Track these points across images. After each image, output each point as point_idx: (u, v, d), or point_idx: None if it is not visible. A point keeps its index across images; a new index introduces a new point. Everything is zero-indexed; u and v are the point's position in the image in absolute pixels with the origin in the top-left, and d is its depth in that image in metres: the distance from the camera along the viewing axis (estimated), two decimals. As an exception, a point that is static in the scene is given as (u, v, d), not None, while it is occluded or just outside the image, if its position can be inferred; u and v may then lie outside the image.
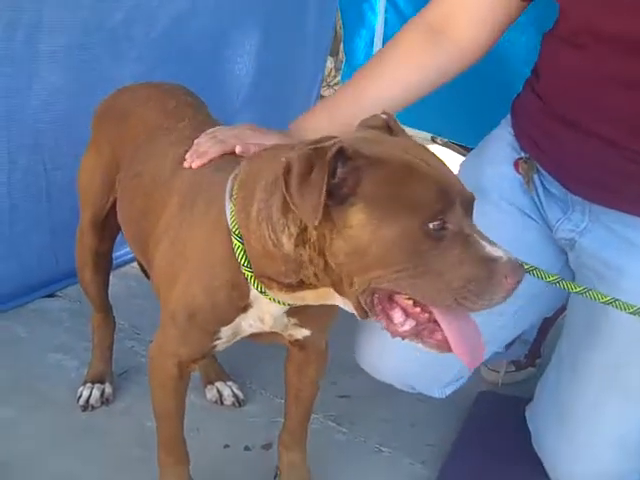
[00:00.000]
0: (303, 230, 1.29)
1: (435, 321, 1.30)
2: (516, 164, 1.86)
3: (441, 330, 1.30)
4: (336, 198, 1.23)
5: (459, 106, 3.47)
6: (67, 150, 2.45)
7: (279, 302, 1.43)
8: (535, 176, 1.84)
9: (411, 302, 1.29)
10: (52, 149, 2.44)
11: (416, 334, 1.32)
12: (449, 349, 1.31)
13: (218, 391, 2.15)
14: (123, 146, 1.81)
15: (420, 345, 1.33)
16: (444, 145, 4.48)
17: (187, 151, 1.61)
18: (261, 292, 1.41)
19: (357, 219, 1.23)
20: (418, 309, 1.29)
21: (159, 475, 1.73)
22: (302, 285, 1.36)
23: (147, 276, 2.32)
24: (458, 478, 1.91)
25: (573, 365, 1.83)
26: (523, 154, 1.86)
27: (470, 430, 2.08)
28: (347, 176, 1.23)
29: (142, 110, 1.83)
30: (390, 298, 1.29)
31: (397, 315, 1.30)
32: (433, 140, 4.56)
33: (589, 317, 1.80)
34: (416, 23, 1.81)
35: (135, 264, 2.58)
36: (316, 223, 1.22)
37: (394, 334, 1.32)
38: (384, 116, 1.44)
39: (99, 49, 2.43)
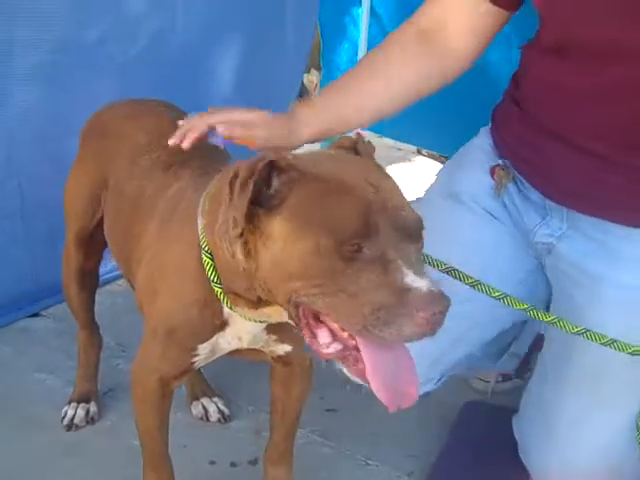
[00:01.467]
0: (245, 241, 1.29)
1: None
2: (492, 170, 1.87)
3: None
4: (267, 208, 1.24)
5: (444, 119, 3.48)
6: (42, 167, 2.46)
7: (249, 319, 1.43)
8: (511, 183, 1.85)
9: (338, 325, 1.26)
10: (27, 166, 2.44)
11: (341, 358, 1.28)
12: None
13: (204, 407, 2.15)
14: (108, 163, 1.82)
15: (345, 370, 1.29)
16: (429, 157, 4.50)
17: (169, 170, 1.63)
18: (230, 309, 1.41)
19: (278, 230, 1.24)
20: (346, 334, 1.26)
21: (145, 494, 1.73)
22: (261, 301, 1.35)
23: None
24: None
25: (555, 376, 1.83)
26: (500, 161, 1.86)
27: (456, 440, 2.08)
28: (281, 188, 1.25)
29: (126, 128, 1.84)
30: (316, 317, 1.27)
31: (323, 335, 1.28)
32: (419, 152, 4.59)
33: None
34: (408, 27, 1.81)
35: (121, 281, 2.59)
36: (237, 232, 1.24)
37: (317, 353, 1.29)
38: (354, 137, 1.44)
39: (75, 66, 2.43)
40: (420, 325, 1.17)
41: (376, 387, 1.24)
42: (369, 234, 1.20)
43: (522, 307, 1.60)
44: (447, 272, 1.59)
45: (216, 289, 1.39)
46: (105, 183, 1.82)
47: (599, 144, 1.64)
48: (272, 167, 1.24)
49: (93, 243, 1.94)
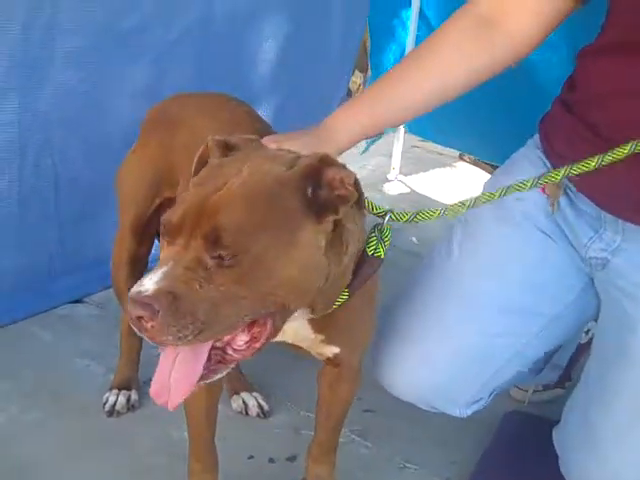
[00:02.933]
0: None
1: None
2: (543, 185, 1.84)
3: None
4: None
5: (488, 124, 3.47)
6: (76, 149, 2.49)
7: None
8: (563, 197, 1.82)
9: None
10: (62, 147, 2.47)
11: None
12: None
13: (244, 401, 2.15)
14: (175, 154, 1.81)
15: None
16: (472, 163, 4.47)
17: None
18: None
19: None
20: None
21: (188, 482, 1.73)
22: None
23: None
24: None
25: (602, 387, 1.80)
26: None
27: (496, 449, 2.07)
28: None
29: (197, 118, 1.83)
30: None
31: None
32: (461, 158, 4.56)
33: (619, 338, 1.78)
34: (465, 12, 1.74)
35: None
36: None
37: None
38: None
39: (112, 52, 2.46)
40: (135, 325, 1.16)
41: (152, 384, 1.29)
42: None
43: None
44: (383, 215, 1.50)
45: None
46: (170, 172, 1.82)
47: None
48: None
49: (148, 230, 1.95)
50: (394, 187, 4.05)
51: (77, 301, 2.62)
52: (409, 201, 3.83)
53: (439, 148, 4.42)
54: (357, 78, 5.21)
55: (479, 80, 1.75)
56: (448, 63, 1.71)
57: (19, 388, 2.17)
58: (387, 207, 1.46)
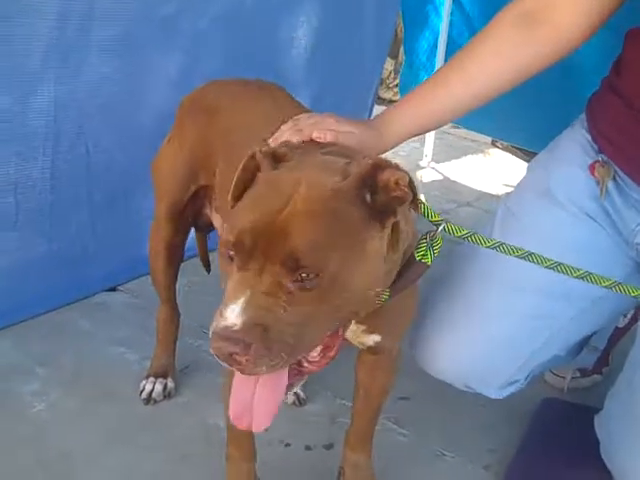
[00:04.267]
0: None
1: None
2: (592, 167, 1.81)
3: None
4: None
5: (521, 110, 3.42)
6: (109, 136, 2.50)
7: None
8: (611, 181, 1.79)
9: None
10: (95, 134, 2.47)
11: None
12: None
13: (280, 389, 2.14)
14: (212, 140, 1.80)
15: None
16: (505, 149, 4.43)
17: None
18: None
19: None
20: None
21: (227, 470, 1.73)
22: None
23: (208, 271, 2.33)
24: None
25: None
26: (599, 157, 1.81)
27: (534, 436, 2.05)
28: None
29: (236, 103, 1.81)
30: None
31: None
32: (494, 144, 4.52)
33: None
34: (508, 10, 1.72)
35: (195, 260, 2.60)
36: None
37: None
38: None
39: (147, 40, 2.46)
40: (217, 354, 1.13)
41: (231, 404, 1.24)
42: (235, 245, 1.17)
43: (606, 284, 1.52)
44: (524, 257, 1.52)
45: None
46: (208, 159, 1.81)
47: None
48: None
49: (184, 217, 1.95)
50: (427, 174, 4.03)
51: (112, 289, 2.63)
52: (442, 188, 3.81)
53: (472, 134, 4.39)
54: (389, 65, 5.19)
55: (526, 77, 1.73)
56: (491, 69, 1.70)
57: (58, 376, 2.18)
58: (440, 216, 1.43)
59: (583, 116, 1.88)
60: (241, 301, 1.12)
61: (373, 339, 1.54)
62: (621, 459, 1.79)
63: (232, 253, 1.17)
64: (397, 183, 1.22)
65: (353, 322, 1.45)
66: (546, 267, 1.53)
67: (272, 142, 1.56)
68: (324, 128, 1.54)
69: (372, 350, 1.59)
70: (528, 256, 1.53)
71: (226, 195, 1.63)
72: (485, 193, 3.71)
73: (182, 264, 2.62)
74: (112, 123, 2.49)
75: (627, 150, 1.72)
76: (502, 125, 3.83)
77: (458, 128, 4.40)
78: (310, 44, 3.03)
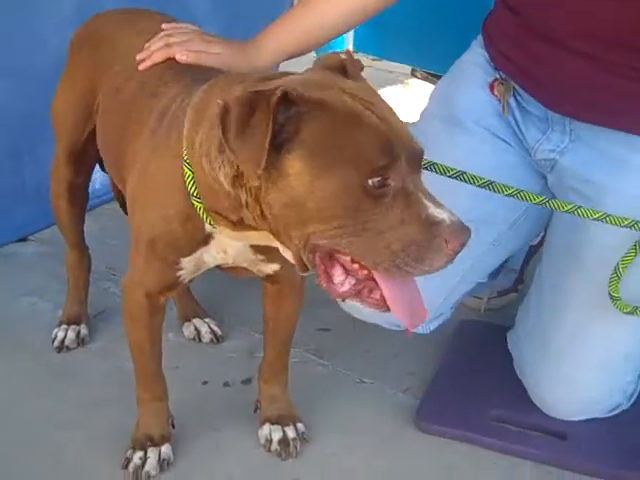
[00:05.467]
0: (239, 173, 1.23)
1: (373, 278, 1.24)
2: (491, 86, 1.81)
3: (380, 289, 1.24)
4: (273, 145, 1.15)
5: (437, 34, 3.38)
6: (6, 80, 2.39)
7: (229, 237, 1.39)
8: (511, 98, 1.79)
9: (349, 258, 1.22)
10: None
11: (356, 293, 1.26)
12: (388, 308, 1.26)
13: (196, 328, 2.12)
14: (102, 71, 1.75)
15: (359, 304, 1.29)
16: (424, 79, 4.39)
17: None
18: (211, 225, 1.37)
19: (293, 168, 1.17)
20: (356, 265, 1.23)
21: (138, 412, 1.71)
22: (243, 224, 1.31)
23: (126, 212, 2.28)
24: (441, 404, 1.89)
25: (554, 289, 1.80)
26: (498, 75, 1.80)
27: (452, 358, 2.06)
28: (287, 122, 1.17)
29: (120, 33, 1.77)
30: (330, 255, 1.23)
31: (337, 273, 1.25)
32: (413, 74, 4.48)
33: (569, 240, 1.77)
34: None
35: (109, 205, 2.55)
36: (259, 172, 1.16)
37: (335, 294, 1.27)
38: (343, 56, 1.36)
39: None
40: (449, 256, 1.18)
41: (398, 311, 1.25)
42: (393, 165, 1.16)
43: (537, 201, 1.55)
44: (456, 177, 1.54)
45: (196, 204, 1.34)
46: (95, 94, 1.75)
47: (605, 49, 1.58)
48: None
49: (84, 158, 1.90)
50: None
51: (22, 240, 2.56)
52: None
53: (390, 66, 4.33)
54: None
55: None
56: None
57: (-37, 330, 2.12)
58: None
59: (480, 36, 1.87)
60: (437, 202, 1.19)
61: (272, 268, 1.53)
62: (532, 374, 1.83)
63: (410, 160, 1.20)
64: None
65: (252, 251, 1.45)
66: (478, 186, 1.53)
67: (140, 56, 1.60)
68: (192, 48, 1.53)
69: (273, 279, 1.59)
70: (460, 175, 1.52)
71: (108, 125, 1.60)
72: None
73: (95, 210, 2.58)
74: (7, 66, 2.38)
75: (523, 66, 1.72)
76: (422, 51, 3.79)
77: (376, 60, 4.35)
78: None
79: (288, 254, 1.29)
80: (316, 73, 1.33)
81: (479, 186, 1.53)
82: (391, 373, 2.04)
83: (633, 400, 1.84)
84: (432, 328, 1.92)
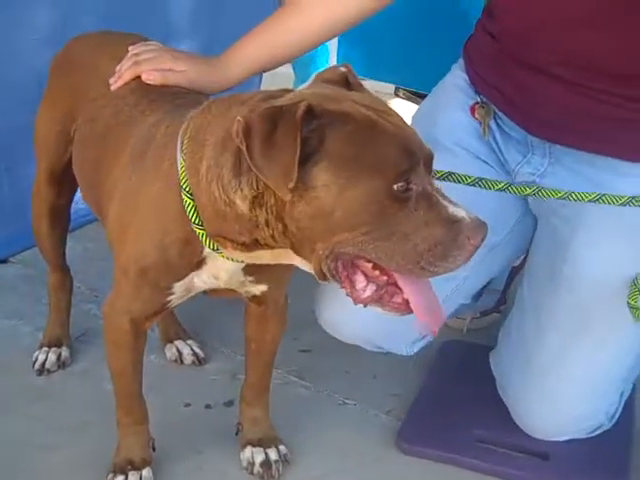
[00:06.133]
0: (259, 193, 1.24)
1: (394, 284, 1.28)
2: (472, 109, 1.82)
3: (401, 292, 1.29)
4: (300, 159, 1.17)
5: (421, 53, 3.41)
6: None
7: (234, 260, 1.40)
8: (492, 121, 1.80)
9: (370, 265, 1.26)
10: None
11: (377, 299, 1.30)
12: (410, 311, 1.30)
13: (177, 350, 2.11)
14: (78, 96, 1.75)
15: (380, 310, 1.32)
16: (407, 99, 4.42)
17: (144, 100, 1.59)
18: (214, 250, 1.37)
19: (321, 179, 1.19)
20: (377, 272, 1.27)
21: (118, 435, 1.69)
22: (258, 245, 1.32)
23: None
24: (423, 426, 1.89)
25: (536, 310, 1.81)
26: (479, 98, 1.81)
27: (435, 379, 2.06)
28: (311, 135, 1.18)
29: (97, 58, 1.77)
30: (352, 263, 1.26)
31: (359, 279, 1.28)
32: (396, 94, 4.51)
33: (551, 261, 1.78)
34: None
35: (93, 225, 2.53)
36: (291, 186, 1.17)
37: (357, 301, 1.30)
38: (343, 69, 1.39)
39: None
40: (470, 252, 1.24)
41: (421, 315, 1.30)
42: (414, 169, 1.21)
43: (528, 192, 1.62)
44: (444, 178, 1.57)
45: (198, 231, 1.35)
46: (75, 117, 1.75)
47: (582, 74, 1.60)
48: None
49: (65, 179, 1.88)
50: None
51: (2, 261, 2.54)
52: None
53: (374, 85, 4.35)
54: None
55: (367, 14, 1.79)
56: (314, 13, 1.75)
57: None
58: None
59: (461, 59, 1.89)
60: (454, 201, 1.24)
61: (259, 289, 1.53)
62: (515, 395, 1.83)
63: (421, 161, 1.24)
64: None
65: (242, 273, 1.46)
66: (468, 184, 1.58)
67: (114, 81, 1.62)
68: (160, 65, 1.54)
69: (258, 300, 1.59)
70: (448, 176, 1.58)
71: (85, 152, 1.60)
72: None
73: (77, 231, 2.57)
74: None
75: (502, 90, 1.74)
76: (405, 71, 3.81)
77: (363, 80, 4.37)
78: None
79: (307, 266, 1.31)
80: (320, 87, 1.35)
81: (469, 184, 1.58)
82: (374, 394, 2.03)
83: (615, 420, 1.84)
84: (416, 350, 1.91)
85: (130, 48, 1.68)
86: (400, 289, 1.28)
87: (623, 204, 1.56)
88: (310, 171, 1.19)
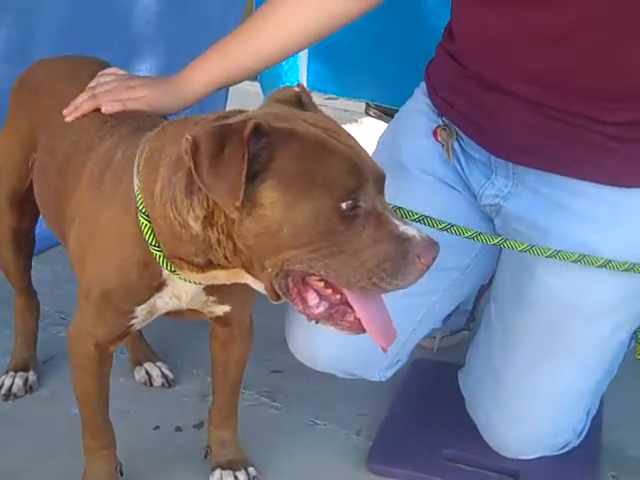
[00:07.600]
0: (210, 212, 1.25)
1: (346, 302, 1.28)
2: (435, 132, 1.82)
3: (353, 311, 1.28)
4: (247, 176, 1.18)
5: (391, 69, 3.41)
6: None
7: (191, 282, 1.40)
8: (455, 143, 1.80)
9: (322, 284, 1.26)
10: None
11: (328, 317, 1.29)
12: (362, 330, 1.29)
13: (147, 372, 2.10)
14: (38, 122, 1.74)
15: (333, 328, 1.31)
16: (378, 117, 4.43)
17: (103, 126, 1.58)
18: (172, 272, 1.37)
19: (269, 197, 1.19)
20: (330, 290, 1.27)
21: (85, 460, 1.68)
22: (212, 265, 1.32)
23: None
24: (393, 446, 1.89)
25: (502, 329, 1.81)
26: (441, 121, 1.81)
27: (405, 398, 2.07)
28: (260, 152, 1.19)
29: (56, 84, 1.77)
30: (303, 280, 1.26)
31: (311, 297, 1.28)
32: (367, 112, 4.52)
33: (516, 280, 1.78)
34: None
35: (60, 248, 2.51)
36: (238, 204, 1.17)
37: (310, 317, 1.30)
38: (296, 89, 1.40)
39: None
40: (421, 271, 1.23)
41: (373, 332, 1.29)
42: (363, 187, 1.21)
43: (495, 242, 1.63)
44: (418, 220, 1.58)
45: (155, 253, 1.35)
46: (35, 145, 1.74)
47: (541, 93, 1.60)
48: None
49: (27, 204, 1.87)
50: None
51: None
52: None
53: (344, 104, 4.37)
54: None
55: (328, 32, 1.77)
56: (292, 21, 1.74)
57: None
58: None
59: (423, 84, 1.89)
60: (402, 220, 1.25)
61: (222, 309, 1.53)
62: (483, 414, 1.83)
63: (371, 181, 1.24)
64: None
65: (204, 293, 1.46)
66: (439, 229, 1.58)
67: (68, 109, 1.61)
68: (116, 96, 1.56)
69: (223, 321, 1.59)
70: (423, 219, 1.58)
71: (45, 178, 1.60)
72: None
73: (45, 253, 2.55)
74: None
75: (464, 111, 1.74)
76: (376, 87, 3.82)
77: (330, 99, 4.38)
78: (155, 12, 2.90)
79: (259, 286, 1.31)
80: (272, 107, 1.35)
81: (441, 229, 1.59)
82: (344, 415, 2.03)
83: (582, 437, 1.85)
84: (389, 375, 1.91)
85: (89, 85, 1.68)
86: (352, 308, 1.28)
87: (575, 261, 1.59)
88: (258, 188, 1.20)
